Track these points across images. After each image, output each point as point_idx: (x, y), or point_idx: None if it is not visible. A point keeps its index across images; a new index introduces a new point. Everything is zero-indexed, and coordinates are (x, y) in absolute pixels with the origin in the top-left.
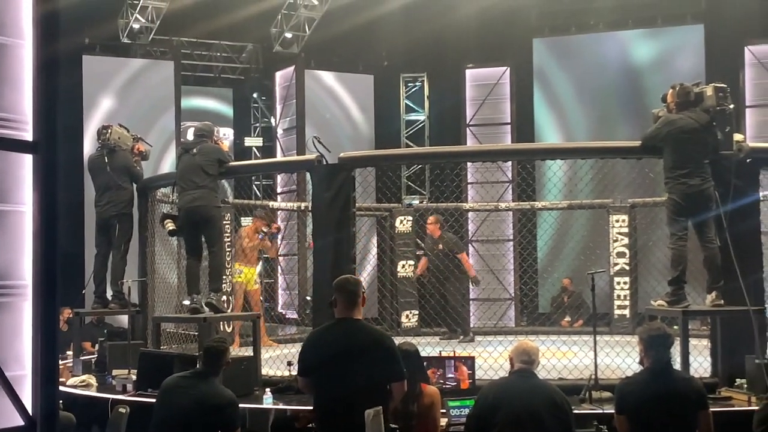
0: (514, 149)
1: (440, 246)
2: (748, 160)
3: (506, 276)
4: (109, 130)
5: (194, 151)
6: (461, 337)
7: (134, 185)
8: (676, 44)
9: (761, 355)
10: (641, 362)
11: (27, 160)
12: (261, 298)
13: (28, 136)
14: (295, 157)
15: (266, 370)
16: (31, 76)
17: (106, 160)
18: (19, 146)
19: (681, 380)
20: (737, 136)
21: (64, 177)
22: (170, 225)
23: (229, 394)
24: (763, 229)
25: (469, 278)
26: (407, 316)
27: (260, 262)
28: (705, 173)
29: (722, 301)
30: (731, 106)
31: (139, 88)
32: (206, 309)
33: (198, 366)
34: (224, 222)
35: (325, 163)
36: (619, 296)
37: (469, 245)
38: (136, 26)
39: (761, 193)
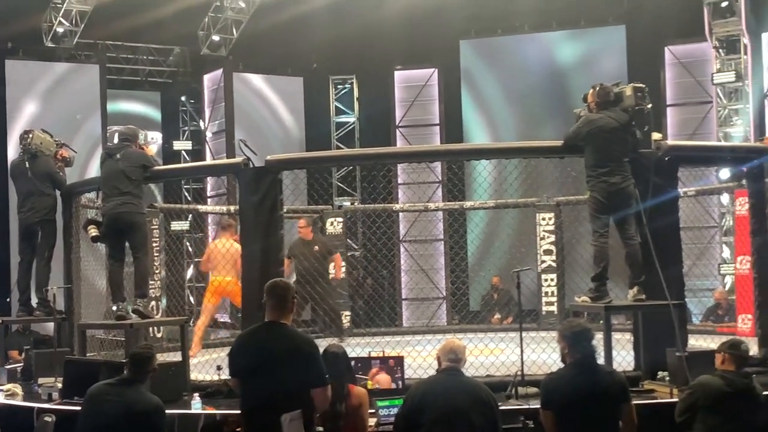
0: (437, 150)
1: (316, 248)
2: (666, 158)
3: (437, 275)
4: (31, 135)
5: (118, 156)
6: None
7: (57, 191)
8: (598, 45)
9: (682, 348)
10: (563, 359)
11: None
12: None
13: None
14: (222, 161)
15: (195, 375)
16: None
17: (28, 166)
18: None
19: (604, 374)
20: (655, 135)
21: None
22: (93, 231)
23: (155, 400)
24: (682, 225)
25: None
26: (343, 316)
27: None
28: (625, 171)
29: (644, 296)
30: (649, 106)
31: (63, 92)
32: (133, 315)
33: (124, 373)
34: (152, 227)
35: (252, 166)
36: (546, 293)
37: (400, 245)
38: (60, 30)
39: (680, 190)
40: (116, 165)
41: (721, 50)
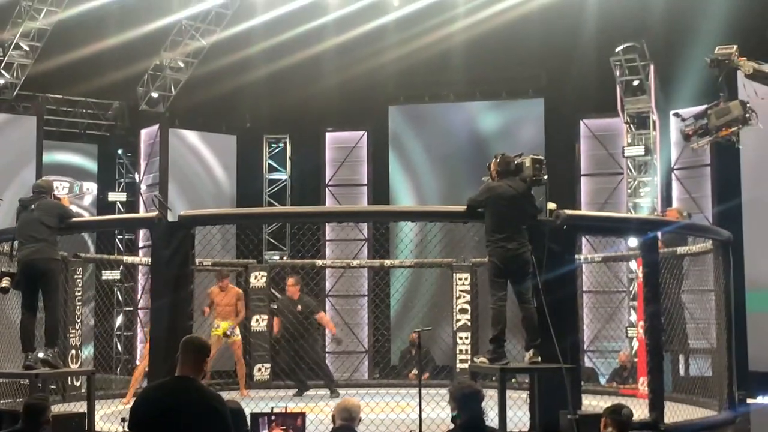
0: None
1: (299, 307)
2: (564, 227)
3: (361, 330)
4: None
5: (32, 207)
6: (331, 391)
7: None
8: (518, 116)
9: (573, 411)
10: (453, 419)
11: None
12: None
13: None
14: (136, 215)
15: (101, 426)
16: None
17: None
18: None
19: None
20: (550, 205)
21: None
22: (5, 282)
23: None
24: (593, 289)
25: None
26: (259, 369)
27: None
28: (522, 238)
29: (539, 359)
30: (545, 177)
31: (1, 141)
32: (40, 366)
33: (18, 424)
34: (76, 276)
35: (162, 220)
36: (461, 350)
37: (326, 300)
38: (1, 82)
39: (589, 256)
40: (31, 215)
41: (632, 125)
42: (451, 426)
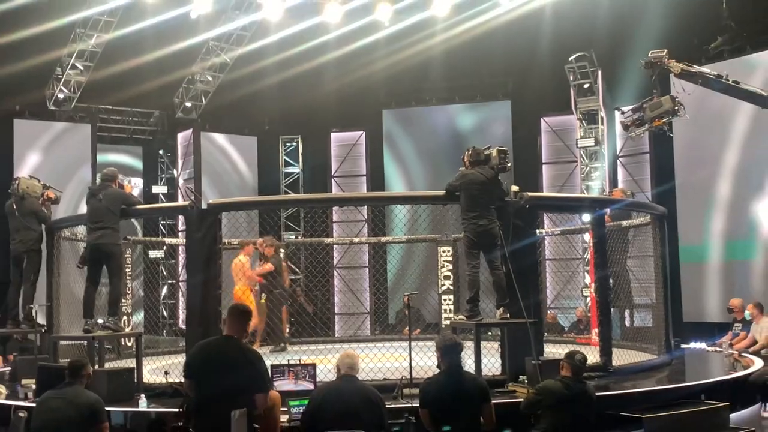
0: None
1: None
2: (527, 206)
3: (363, 295)
4: (17, 182)
5: (100, 196)
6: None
7: (43, 226)
8: (490, 115)
9: (536, 357)
10: (438, 366)
11: None
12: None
13: None
14: (172, 204)
15: (148, 378)
16: None
17: (15, 207)
18: None
19: (469, 380)
20: (513, 187)
21: None
22: None
23: (93, 395)
24: (554, 257)
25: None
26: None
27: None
28: (492, 216)
29: (508, 315)
30: (509, 165)
31: (61, 146)
32: (97, 330)
33: (66, 379)
34: (126, 256)
35: (194, 208)
36: (446, 310)
37: (334, 271)
38: (60, 96)
39: (549, 230)
40: (99, 203)
41: (583, 121)
42: (437, 371)
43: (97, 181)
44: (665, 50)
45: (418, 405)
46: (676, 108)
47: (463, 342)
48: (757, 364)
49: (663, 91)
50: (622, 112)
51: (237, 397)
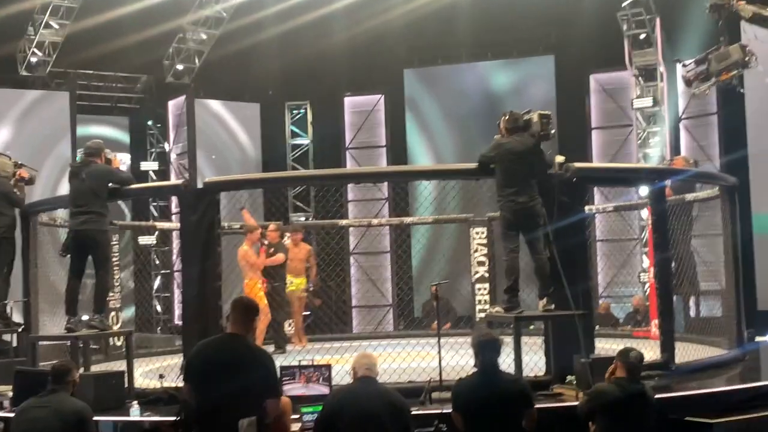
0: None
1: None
2: (574, 179)
3: (384, 285)
4: None
5: (83, 175)
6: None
7: (16, 210)
8: (529, 73)
9: (586, 355)
10: (476, 365)
11: None
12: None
13: None
14: (164, 183)
15: (140, 383)
16: None
17: None
18: None
19: (507, 381)
20: (558, 158)
21: None
22: None
23: (80, 403)
24: (606, 238)
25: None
26: (290, 324)
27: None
28: (532, 191)
29: (552, 306)
30: (554, 131)
31: (35, 118)
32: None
33: (48, 386)
34: (113, 243)
35: (189, 188)
36: (480, 300)
37: (351, 257)
38: (33, 59)
39: (600, 206)
40: (82, 184)
41: (640, 78)
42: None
43: (79, 157)
44: None
45: (448, 410)
46: (747, 59)
47: (501, 338)
48: None
49: (731, 40)
50: (684, 65)
51: (244, 404)
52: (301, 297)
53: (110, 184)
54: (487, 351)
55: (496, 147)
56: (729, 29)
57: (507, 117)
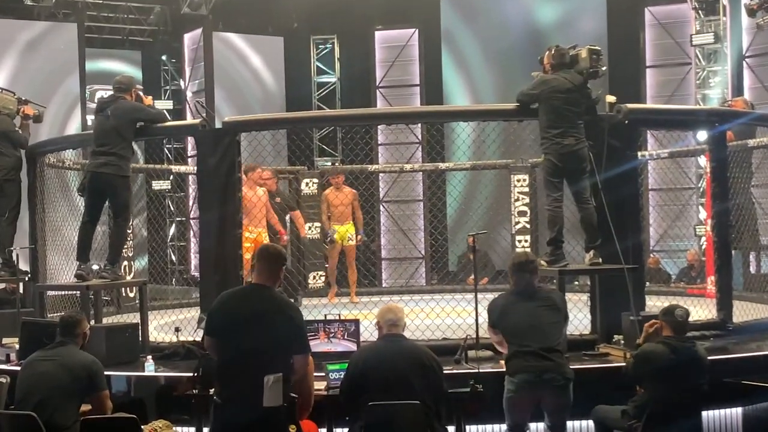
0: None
1: (278, 200)
2: (626, 121)
3: (416, 236)
4: None
5: (108, 112)
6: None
7: (22, 151)
8: (578, 5)
9: (636, 313)
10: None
11: None
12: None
13: None
14: (179, 122)
15: (155, 336)
16: None
17: None
18: None
19: (543, 298)
20: (609, 98)
21: None
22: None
23: (90, 356)
24: (659, 187)
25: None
26: (314, 277)
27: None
28: (579, 133)
29: (600, 260)
30: (604, 68)
31: (41, 51)
32: (92, 277)
33: (57, 338)
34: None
35: (207, 127)
36: None
37: (380, 206)
38: None
39: (654, 152)
40: (107, 122)
41: (700, 11)
42: None
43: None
44: None
45: (486, 369)
46: None
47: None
48: None
49: None
50: None
51: (270, 359)
52: (351, 246)
53: (139, 124)
54: (520, 271)
55: (541, 84)
56: None
57: (552, 52)
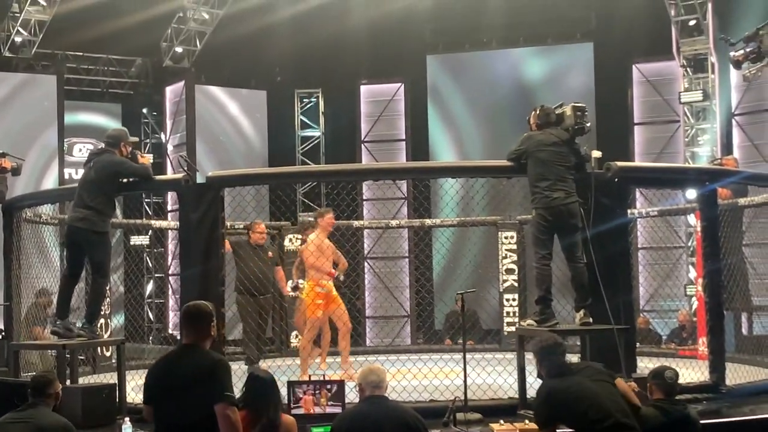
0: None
1: (270, 254)
2: (615, 179)
3: (402, 294)
4: None
5: (91, 164)
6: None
7: None
8: (566, 62)
9: (626, 374)
10: (539, 375)
11: None
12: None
13: None
14: (161, 177)
15: (134, 397)
16: None
17: None
18: None
19: (597, 371)
20: (595, 153)
21: None
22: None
23: (62, 419)
24: (648, 245)
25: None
26: (296, 336)
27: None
28: (569, 188)
29: (590, 320)
30: (589, 125)
31: (19, 103)
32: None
33: (28, 399)
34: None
35: (191, 182)
36: (508, 313)
37: (365, 262)
38: (18, 39)
39: (643, 210)
40: (89, 174)
41: (688, 69)
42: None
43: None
44: None
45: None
46: None
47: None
48: None
49: None
50: (731, 43)
51: (199, 421)
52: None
53: (123, 179)
54: (551, 354)
55: (526, 140)
56: None
57: (537, 112)
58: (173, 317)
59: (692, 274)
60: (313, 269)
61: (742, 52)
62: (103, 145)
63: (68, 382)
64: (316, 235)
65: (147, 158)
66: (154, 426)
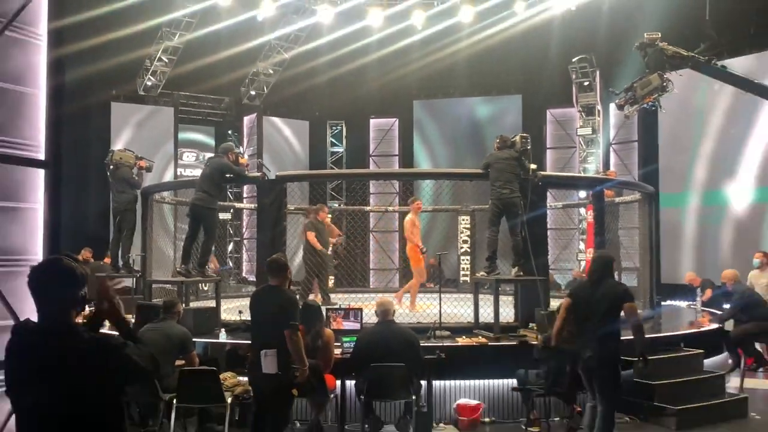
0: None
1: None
2: (539, 183)
3: (394, 255)
4: (111, 153)
5: (208, 163)
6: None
7: (137, 191)
8: (503, 107)
9: (544, 308)
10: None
11: (40, 173)
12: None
13: (40, 156)
14: (249, 175)
15: (225, 316)
16: (44, 116)
17: (109, 174)
18: (34, 163)
19: (612, 285)
20: (531, 166)
21: (101, 187)
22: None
23: (184, 329)
24: (554, 227)
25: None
26: (330, 279)
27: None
28: (514, 187)
29: (522, 273)
30: (529, 147)
31: (149, 125)
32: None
33: (160, 315)
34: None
35: (267, 178)
36: (463, 268)
37: (370, 234)
38: (149, 83)
39: (551, 204)
40: (206, 170)
41: (583, 113)
42: (466, 317)
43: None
44: (659, 33)
45: (448, 344)
46: (665, 84)
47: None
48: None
49: (653, 72)
50: (615, 93)
51: (274, 336)
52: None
53: (227, 175)
54: (606, 268)
55: (491, 156)
56: (654, 64)
57: (498, 139)
58: (245, 265)
59: (581, 246)
60: (415, 238)
61: (623, 98)
62: (214, 153)
63: (184, 305)
64: (411, 217)
65: (245, 159)
66: (251, 339)
